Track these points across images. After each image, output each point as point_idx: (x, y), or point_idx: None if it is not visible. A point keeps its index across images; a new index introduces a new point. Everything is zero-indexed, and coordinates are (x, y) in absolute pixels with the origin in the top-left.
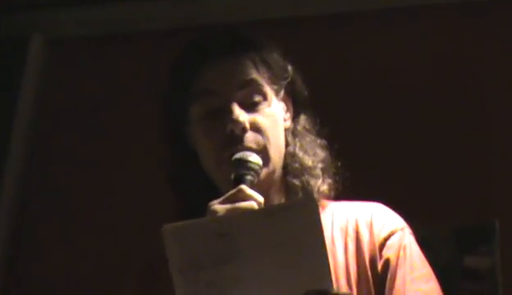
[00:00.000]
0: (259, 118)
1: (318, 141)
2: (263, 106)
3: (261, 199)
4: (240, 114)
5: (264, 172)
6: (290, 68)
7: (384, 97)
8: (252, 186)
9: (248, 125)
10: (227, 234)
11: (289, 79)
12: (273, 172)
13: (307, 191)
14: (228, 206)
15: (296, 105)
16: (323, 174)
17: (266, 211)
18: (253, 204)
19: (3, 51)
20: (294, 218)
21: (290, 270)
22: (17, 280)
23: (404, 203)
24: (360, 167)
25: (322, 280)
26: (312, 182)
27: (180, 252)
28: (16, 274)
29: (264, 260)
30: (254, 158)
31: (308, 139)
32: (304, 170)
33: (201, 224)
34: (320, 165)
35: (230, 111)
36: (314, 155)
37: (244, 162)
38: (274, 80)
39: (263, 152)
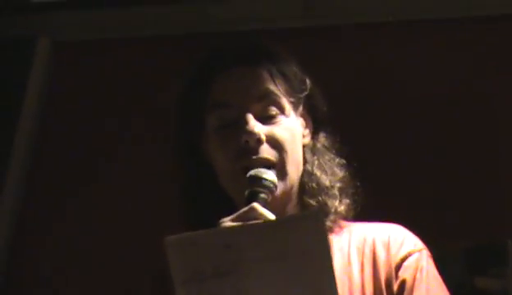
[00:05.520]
0: (276, 130)
1: (337, 160)
2: (281, 119)
3: (272, 218)
4: (255, 125)
5: (280, 188)
6: (308, 81)
7: (398, 111)
8: (266, 204)
9: (263, 137)
10: (231, 246)
11: (307, 93)
12: (290, 189)
13: (319, 208)
14: (239, 224)
15: (315, 121)
16: (341, 194)
17: (272, 223)
18: None
19: (9, 53)
20: (300, 230)
21: (295, 283)
22: (16, 279)
23: (414, 223)
24: (372, 187)
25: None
26: (329, 202)
27: (183, 264)
28: (14, 275)
29: (268, 273)
30: (269, 176)
31: (326, 158)
32: (322, 189)
33: (205, 236)
34: (338, 185)
35: (245, 122)
36: (332, 174)
37: (258, 179)
38: (291, 93)
39: (280, 166)
